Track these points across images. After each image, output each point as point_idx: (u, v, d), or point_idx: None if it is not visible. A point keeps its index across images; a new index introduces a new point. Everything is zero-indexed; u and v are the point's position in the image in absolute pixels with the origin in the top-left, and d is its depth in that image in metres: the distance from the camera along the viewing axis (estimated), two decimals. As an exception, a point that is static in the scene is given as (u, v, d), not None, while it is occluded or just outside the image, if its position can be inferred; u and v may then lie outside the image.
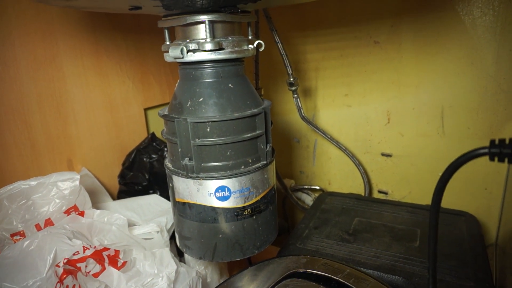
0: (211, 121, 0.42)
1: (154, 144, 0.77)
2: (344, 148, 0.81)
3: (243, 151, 0.44)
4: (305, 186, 0.90)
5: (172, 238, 0.59)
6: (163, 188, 0.74)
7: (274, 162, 0.49)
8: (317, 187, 0.91)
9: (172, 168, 0.47)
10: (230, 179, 0.44)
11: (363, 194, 0.84)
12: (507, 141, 0.25)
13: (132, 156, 0.76)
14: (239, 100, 0.44)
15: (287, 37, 0.85)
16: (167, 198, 0.67)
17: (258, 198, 0.46)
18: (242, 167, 0.44)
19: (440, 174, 0.29)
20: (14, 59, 0.61)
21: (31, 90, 0.63)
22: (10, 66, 0.60)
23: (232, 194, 0.44)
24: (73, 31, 0.68)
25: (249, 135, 0.44)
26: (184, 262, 0.59)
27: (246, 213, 0.45)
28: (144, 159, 0.76)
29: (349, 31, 0.79)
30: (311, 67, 0.85)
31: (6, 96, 0.60)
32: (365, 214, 0.69)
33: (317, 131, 0.79)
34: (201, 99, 0.43)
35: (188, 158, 0.44)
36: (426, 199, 0.79)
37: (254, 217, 0.46)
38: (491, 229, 0.76)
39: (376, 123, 0.82)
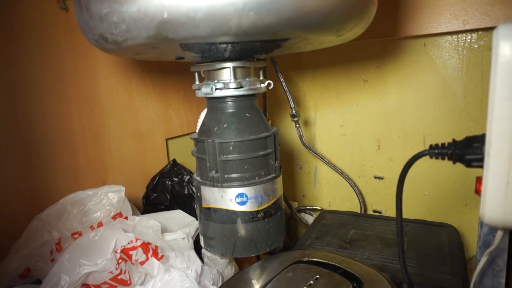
0: (233, 142, 0.54)
1: (175, 169, 0.87)
2: (341, 171, 0.92)
3: (257, 166, 0.56)
4: (307, 207, 1.00)
5: (195, 245, 0.69)
6: (182, 208, 0.84)
7: (281, 176, 0.60)
8: (318, 207, 1.00)
9: (200, 180, 0.58)
10: (247, 187, 0.55)
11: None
12: (439, 145, 0.38)
13: (156, 179, 0.86)
14: (254, 126, 0.56)
15: (289, 77, 0.98)
16: (189, 213, 0.78)
17: (269, 204, 0.57)
18: (257, 178, 0.56)
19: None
20: (67, 95, 0.74)
21: (76, 122, 0.76)
22: (64, 101, 0.74)
23: (248, 200, 0.55)
24: (112, 73, 0.80)
25: (262, 153, 0.56)
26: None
27: (260, 216, 0.56)
28: (166, 182, 0.85)
29: (341, 72, 0.93)
30: (311, 102, 0.98)
31: (57, 126, 0.73)
32: (360, 227, 0.79)
33: (317, 156, 0.91)
34: (225, 125, 0.56)
35: (214, 171, 0.55)
36: (414, 215, 0.89)
37: (266, 219, 0.57)
38: (474, 242, 0.86)
39: (368, 150, 0.93)
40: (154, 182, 0.86)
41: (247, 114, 0.57)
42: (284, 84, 0.77)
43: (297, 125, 0.83)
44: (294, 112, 0.80)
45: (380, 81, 0.89)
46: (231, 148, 0.55)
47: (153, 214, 0.75)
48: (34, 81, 0.69)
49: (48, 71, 0.71)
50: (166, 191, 0.86)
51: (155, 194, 0.86)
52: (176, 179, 0.87)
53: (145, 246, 0.50)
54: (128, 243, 0.49)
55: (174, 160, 0.89)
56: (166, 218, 0.73)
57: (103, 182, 0.81)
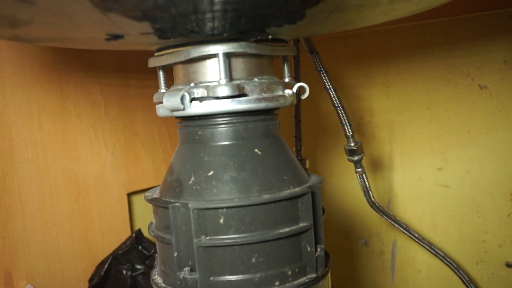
0: (227, 207, 0.42)
1: (140, 247, 0.79)
2: (443, 254, 0.78)
3: (278, 257, 0.44)
4: None
5: None
6: None
7: (329, 276, 0.48)
8: None
9: (163, 285, 0.46)
10: None
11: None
12: None
13: (105, 267, 0.77)
14: (270, 173, 0.45)
15: (339, 80, 0.88)
16: None
17: None
18: (277, 283, 0.43)
19: None
20: None
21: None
22: None
23: None
24: (28, 81, 0.72)
25: (287, 229, 0.44)
26: None
27: None
28: (124, 272, 0.78)
29: (437, 72, 0.81)
30: (382, 124, 0.87)
31: None
32: None
33: (396, 226, 0.77)
34: (211, 173, 0.44)
35: (188, 269, 0.43)
36: None
37: None
38: None
39: (493, 214, 0.80)
40: (102, 273, 0.78)
41: (256, 150, 0.45)
42: (333, 93, 0.65)
43: (359, 169, 0.71)
44: (353, 144, 0.68)
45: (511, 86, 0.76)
46: (222, 220, 0.42)
47: None
48: None
49: None
50: (123, 287, 0.77)
51: (103, 294, 0.78)
52: (140, 267, 0.80)
53: None
54: None
55: (138, 232, 0.83)
56: None
57: (6, 274, 0.71)
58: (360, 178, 0.71)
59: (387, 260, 0.90)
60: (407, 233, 0.77)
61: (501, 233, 0.79)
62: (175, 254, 0.43)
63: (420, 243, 0.78)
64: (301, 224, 0.44)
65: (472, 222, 0.81)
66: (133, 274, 0.77)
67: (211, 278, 0.42)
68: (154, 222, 0.48)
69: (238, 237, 0.42)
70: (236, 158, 0.44)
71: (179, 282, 0.43)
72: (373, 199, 0.74)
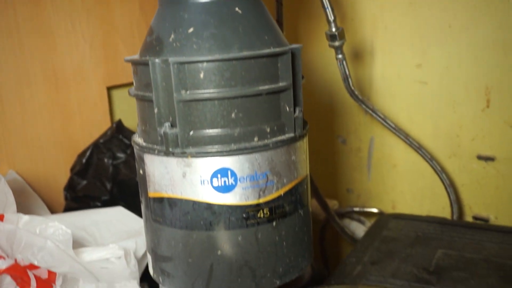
0: (207, 61, 0.42)
1: (121, 136, 0.79)
2: (418, 146, 0.81)
3: (258, 113, 0.45)
4: (355, 209, 0.91)
5: (146, 273, 0.59)
6: (133, 206, 0.75)
7: (306, 140, 0.50)
8: (375, 210, 0.91)
9: (144, 144, 0.47)
10: (236, 157, 0.44)
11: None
12: None
13: (87, 155, 0.78)
14: (251, 32, 0.45)
15: None
16: (139, 215, 0.67)
17: (281, 192, 0.46)
18: (256, 138, 0.45)
19: None
20: None
21: None
22: None
23: (238, 183, 0.44)
24: None
25: (266, 87, 0.44)
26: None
27: (261, 215, 0.46)
28: (105, 161, 0.78)
29: None
30: (364, 21, 0.87)
31: None
32: (454, 244, 0.69)
33: (374, 115, 0.79)
34: (191, 30, 0.44)
35: (169, 124, 0.44)
36: None
37: (274, 223, 0.46)
38: None
39: (468, 109, 0.82)
40: (84, 161, 0.79)
41: (236, 9, 0.45)
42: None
43: (340, 55, 0.71)
44: (334, 29, 0.68)
45: (494, -20, 0.76)
46: (202, 74, 0.43)
47: (71, 214, 0.67)
48: None
49: None
50: (104, 176, 0.79)
51: (85, 182, 0.79)
52: (122, 155, 0.81)
53: (21, 271, 0.38)
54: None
55: (118, 123, 0.83)
56: (96, 221, 0.65)
57: (-13, 160, 0.74)
58: (340, 65, 0.72)
59: (364, 157, 0.93)
60: (384, 123, 0.79)
61: (474, 128, 0.82)
62: (156, 110, 0.44)
63: (397, 133, 0.81)
64: (281, 84, 0.45)
65: (448, 117, 0.84)
66: (114, 162, 0.77)
67: (191, 132, 0.43)
68: (134, 83, 0.48)
69: (218, 92, 0.43)
70: (217, 16, 0.44)
71: (159, 138, 0.44)
72: (352, 87, 0.75)
